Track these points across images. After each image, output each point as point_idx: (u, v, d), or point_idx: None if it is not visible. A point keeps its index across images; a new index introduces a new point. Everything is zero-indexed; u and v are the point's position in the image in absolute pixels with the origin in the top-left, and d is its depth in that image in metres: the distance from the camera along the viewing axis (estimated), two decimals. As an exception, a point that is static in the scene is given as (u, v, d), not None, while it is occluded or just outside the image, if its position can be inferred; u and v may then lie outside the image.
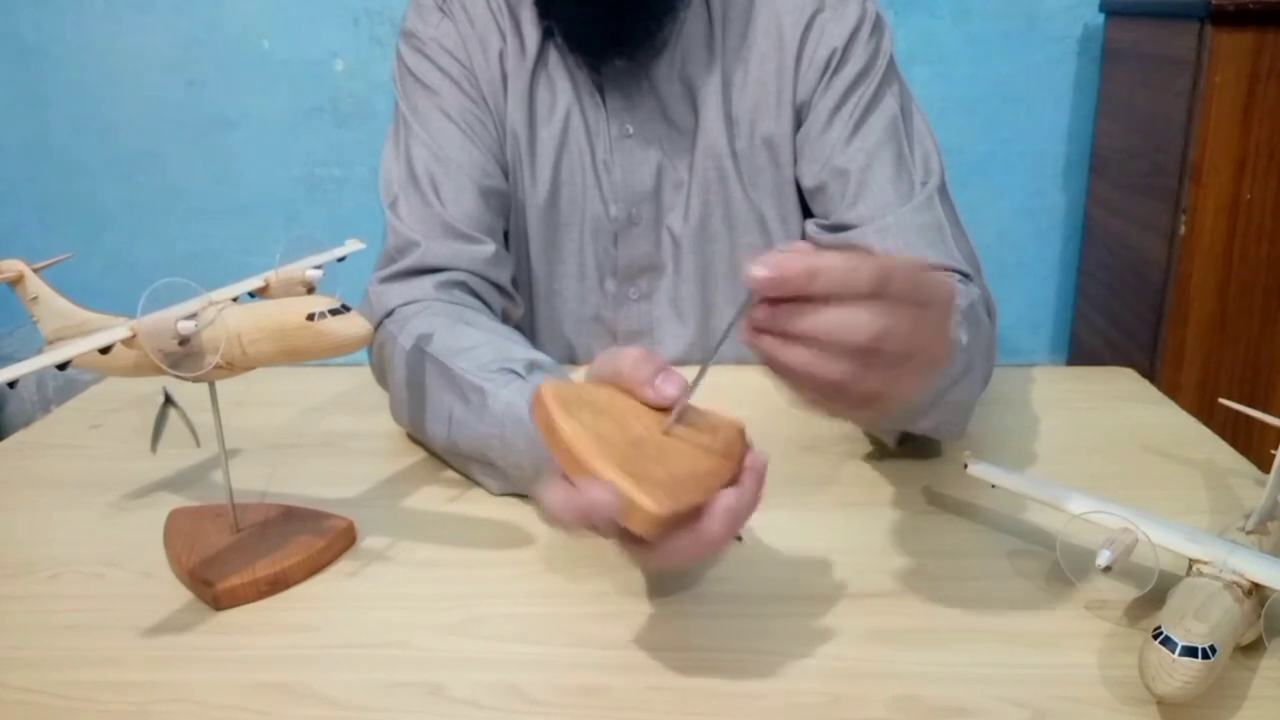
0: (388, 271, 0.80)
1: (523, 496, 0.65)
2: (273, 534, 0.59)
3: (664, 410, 0.47)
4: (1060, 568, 0.54)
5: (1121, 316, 1.83)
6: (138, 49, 2.06)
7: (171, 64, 2.06)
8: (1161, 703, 0.45)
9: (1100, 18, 1.91)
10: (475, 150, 0.84)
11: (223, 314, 0.51)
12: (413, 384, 0.69)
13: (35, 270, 0.60)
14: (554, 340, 0.92)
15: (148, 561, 0.59)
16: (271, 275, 0.57)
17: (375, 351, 0.78)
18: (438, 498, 0.67)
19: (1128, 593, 0.52)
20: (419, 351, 0.69)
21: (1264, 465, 0.61)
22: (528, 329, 0.91)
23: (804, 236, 0.88)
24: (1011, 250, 2.04)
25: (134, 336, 0.51)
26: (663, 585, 0.56)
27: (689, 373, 0.48)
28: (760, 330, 0.43)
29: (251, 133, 2.10)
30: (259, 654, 0.51)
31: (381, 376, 0.77)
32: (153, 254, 2.17)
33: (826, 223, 0.84)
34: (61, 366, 0.49)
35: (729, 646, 0.50)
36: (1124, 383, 0.87)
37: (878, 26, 0.85)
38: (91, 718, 0.46)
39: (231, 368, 0.53)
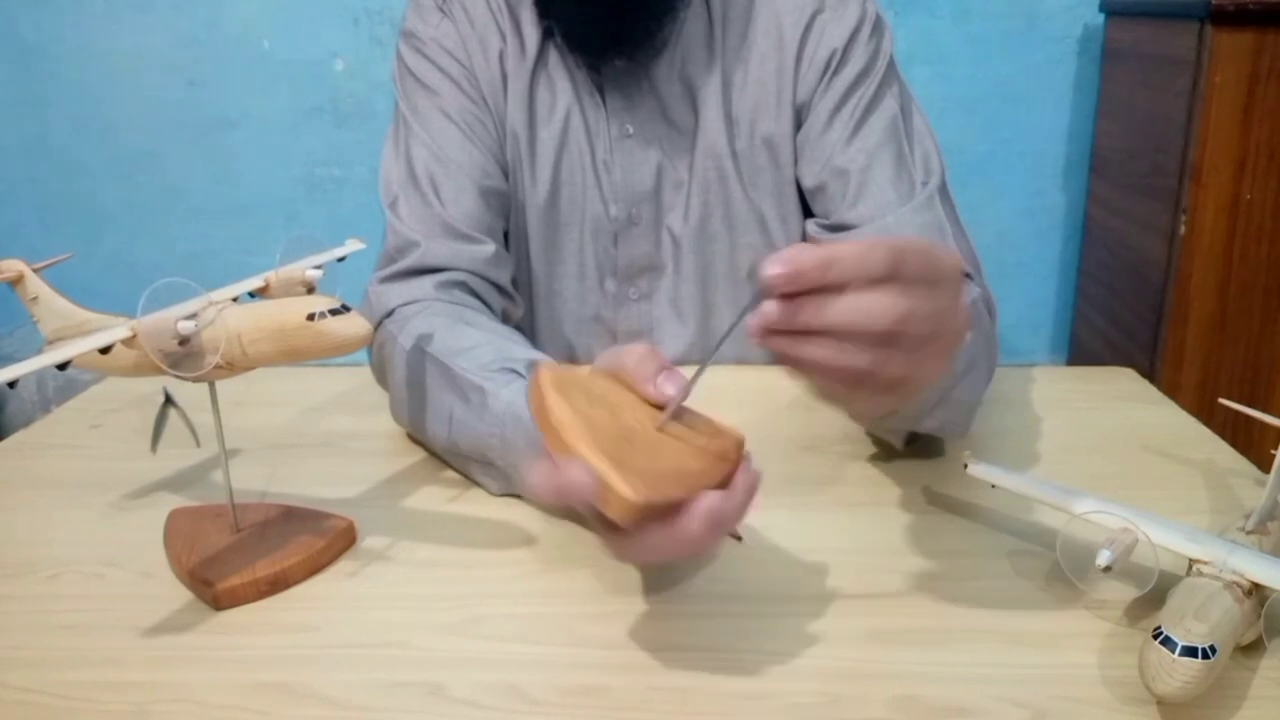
0: (388, 271, 0.80)
1: (522, 497, 0.65)
2: (273, 534, 0.59)
3: (663, 408, 0.47)
4: (1060, 568, 0.54)
5: (1121, 316, 1.83)
6: (138, 49, 2.06)
7: (171, 64, 2.06)
8: (1161, 703, 0.45)
9: (1100, 18, 1.91)
10: (475, 150, 0.84)
11: (223, 314, 0.51)
12: (413, 384, 0.69)
13: (35, 270, 0.60)
14: (554, 340, 0.92)
15: (148, 561, 0.59)
16: (271, 275, 0.57)
17: (375, 351, 0.78)
18: (438, 498, 0.67)
19: (1128, 593, 0.52)
20: (419, 351, 0.69)
21: (1264, 465, 0.61)
22: (528, 329, 0.91)
23: (804, 237, 0.88)
24: (1011, 250, 2.04)
25: (134, 336, 0.51)
26: (662, 585, 0.56)
27: (691, 373, 0.48)
28: (774, 331, 0.42)
29: (251, 133, 2.10)
30: (259, 654, 0.51)
31: (381, 376, 0.77)
32: (153, 254, 2.18)
33: (827, 223, 0.84)
34: (61, 366, 0.49)
35: (729, 646, 0.50)
36: (1124, 383, 0.87)
37: (878, 27, 0.85)
38: (91, 718, 0.46)
39: (231, 368, 0.53)
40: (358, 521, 0.61)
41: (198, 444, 0.60)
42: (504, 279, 0.84)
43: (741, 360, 0.92)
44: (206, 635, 0.52)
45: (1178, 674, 0.43)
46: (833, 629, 0.52)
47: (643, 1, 0.80)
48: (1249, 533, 0.52)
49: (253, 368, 0.53)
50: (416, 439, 0.73)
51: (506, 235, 0.88)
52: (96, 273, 1.72)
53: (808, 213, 0.88)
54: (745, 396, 0.82)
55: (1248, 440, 0.75)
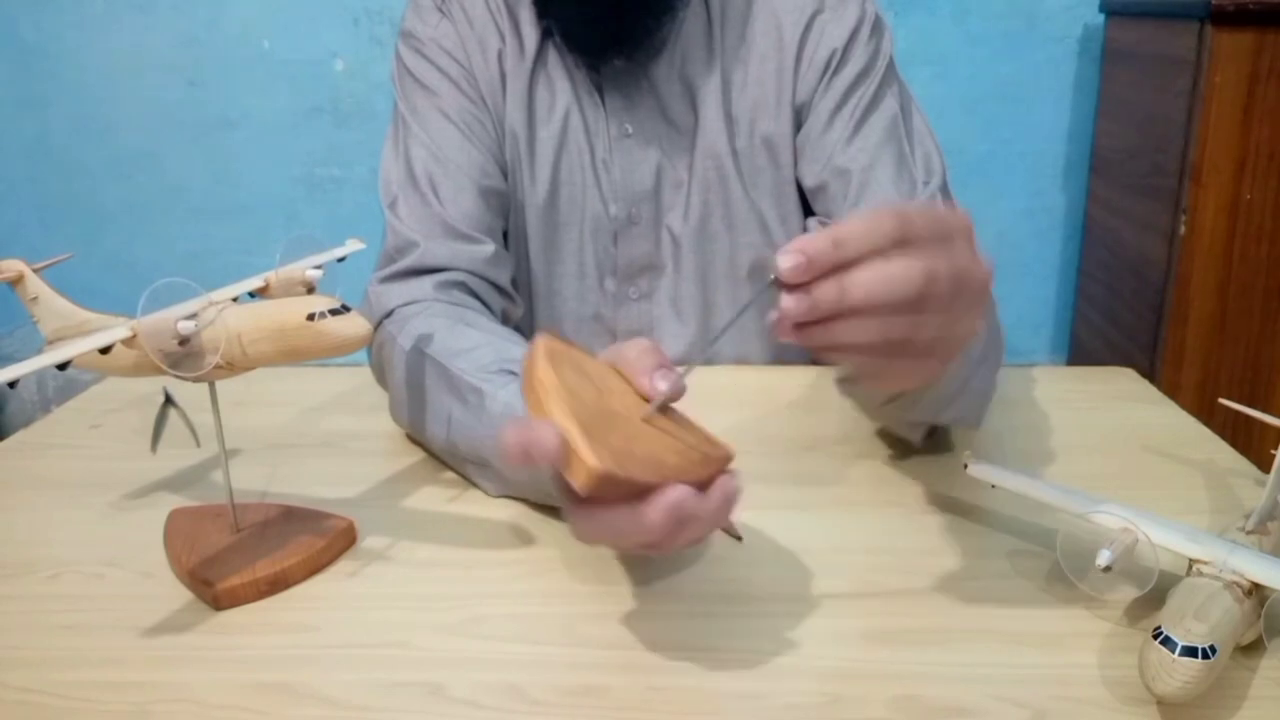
0: (387, 272, 0.80)
1: (520, 499, 0.65)
2: (273, 534, 0.59)
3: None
4: (1060, 568, 0.54)
5: (1121, 316, 1.83)
6: (138, 49, 2.06)
7: (171, 64, 2.06)
8: (1161, 703, 0.45)
9: (1100, 18, 1.91)
10: (474, 150, 0.84)
11: (223, 314, 0.51)
12: (412, 385, 0.69)
13: (35, 270, 0.60)
14: (554, 340, 0.92)
15: (148, 561, 0.59)
16: (271, 275, 0.57)
17: (375, 352, 0.78)
18: (438, 498, 0.67)
19: (1128, 593, 0.52)
20: (418, 353, 0.69)
21: (1264, 465, 0.61)
22: (527, 329, 0.91)
23: None
24: (1011, 250, 2.05)
25: (134, 336, 0.51)
26: (662, 585, 0.56)
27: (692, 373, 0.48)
28: (800, 325, 0.42)
29: (251, 133, 2.11)
30: (259, 654, 0.51)
31: (381, 377, 0.77)
32: (153, 254, 2.18)
33: (828, 222, 0.84)
34: (61, 366, 0.49)
35: (729, 646, 0.50)
36: (1124, 383, 0.87)
37: (877, 27, 0.85)
38: (91, 718, 0.46)
39: (231, 368, 0.53)
40: (358, 521, 0.61)
41: (198, 444, 0.60)
42: (503, 279, 0.84)
43: (741, 360, 0.92)
44: (206, 635, 0.52)
45: (1178, 674, 0.43)
46: (833, 629, 0.52)
47: (642, 1, 0.80)
48: (1249, 533, 0.52)
49: (253, 368, 0.53)
50: (416, 439, 0.73)
51: (506, 235, 0.88)
52: (96, 273, 1.72)
53: (808, 212, 0.88)
54: (745, 396, 0.82)
55: (1248, 440, 0.75)
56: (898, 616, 0.53)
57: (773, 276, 0.41)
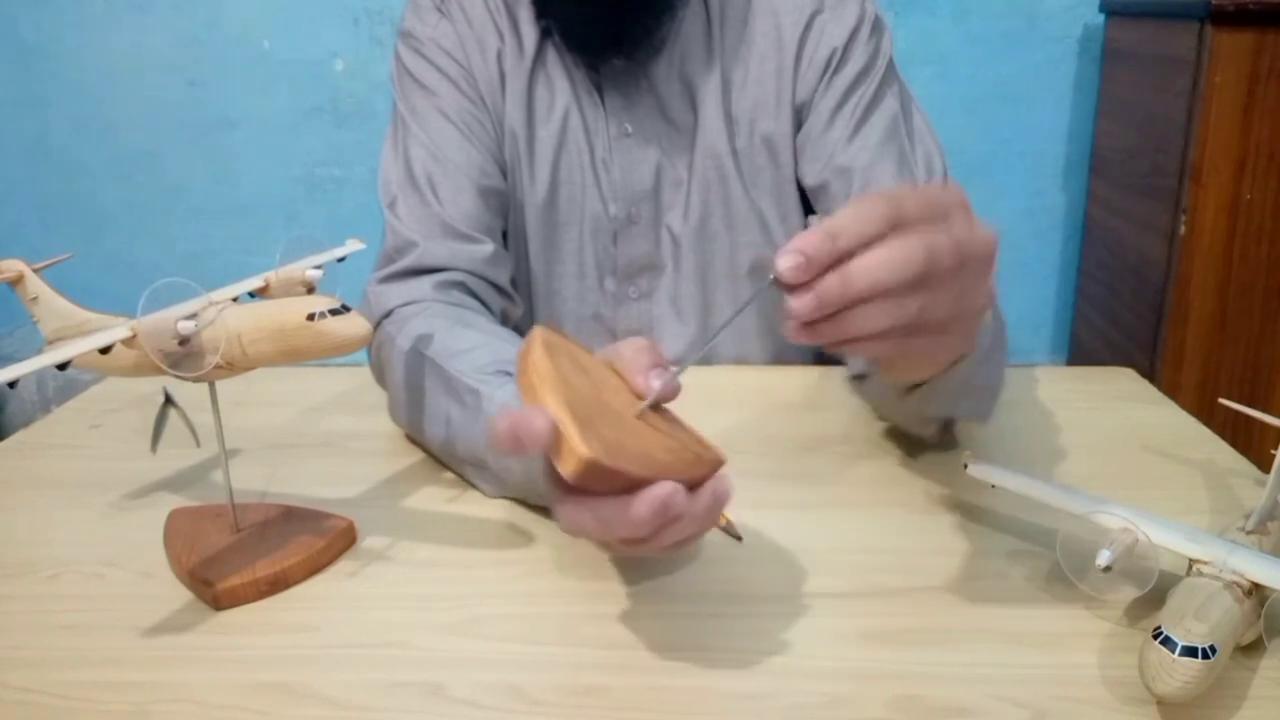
0: (386, 272, 0.80)
1: (516, 500, 0.65)
2: (273, 534, 0.59)
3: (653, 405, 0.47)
4: (1060, 568, 0.54)
5: (1121, 316, 1.83)
6: (138, 49, 2.06)
7: (171, 64, 2.07)
8: (1161, 703, 0.45)
9: (1100, 18, 1.91)
10: (473, 150, 0.84)
11: (223, 314, 0.51)
12: (411, 386, 0.69)
13: (35, 270, 0.60)
14: (554, 340, 0.92)
15: (148, 561, 0.59)
16: (271, 275, 0.57)
17: (374, 352, 0.78)
18: (438, 498, 0.67)
19: (1128, 593, 0.52)
20: (417, 353, 0.69)
21: (1264, 465, 0.61)
22: (527, 329, 0.90)
23: None
24: (1011, 250, 2.04)
25: (134, 336, 0.51)
26: (662, 585, 0.56)
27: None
28: (810, 323, 0.41)
29: (251, 133, 2.11)
30: (259, 654, 0.51)
31: (380, 377, 0.77)
32: (153, 254, 2.18)
33: None
34: (61, 366, 0.49)
35: (729, 646, 0.50)
36: (1124, 383, 0.87)
37: (877, 27, 0.85)
38: (91, 718, 0.46)
39: (231, 368, 0.53)
40: (358, 521, 0.61)
41: (198, 444, 0.60)
42: (503, 279, 0.84)
43: (741, 360, 0.92)
44: (206, 635, 0.52)
45: (1178, 674, 0.43)
46: (833, 629, 0.51)
47: (641, 0, 0.80)
48: (1249, 533, 0.52)
49: (253, 368, 0.53)
50: (415, 439, 0.73)
51: (505, 235, 0.88)
52: (96, 273, 1.72)
53: (808, 211, 0.88)
54: (745, 396, 0.82)
55: (1248, 440, 0.75)
56: (898, 616, 0.53)
57: (772, 277, 0.41)
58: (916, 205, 0.42)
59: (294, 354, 0.51)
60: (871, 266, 0.40)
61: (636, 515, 0.42)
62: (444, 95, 0.85)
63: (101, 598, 0.56)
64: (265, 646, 0.51)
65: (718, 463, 0.46)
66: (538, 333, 0.45)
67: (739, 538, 0.60)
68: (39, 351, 0.52)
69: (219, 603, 0.54)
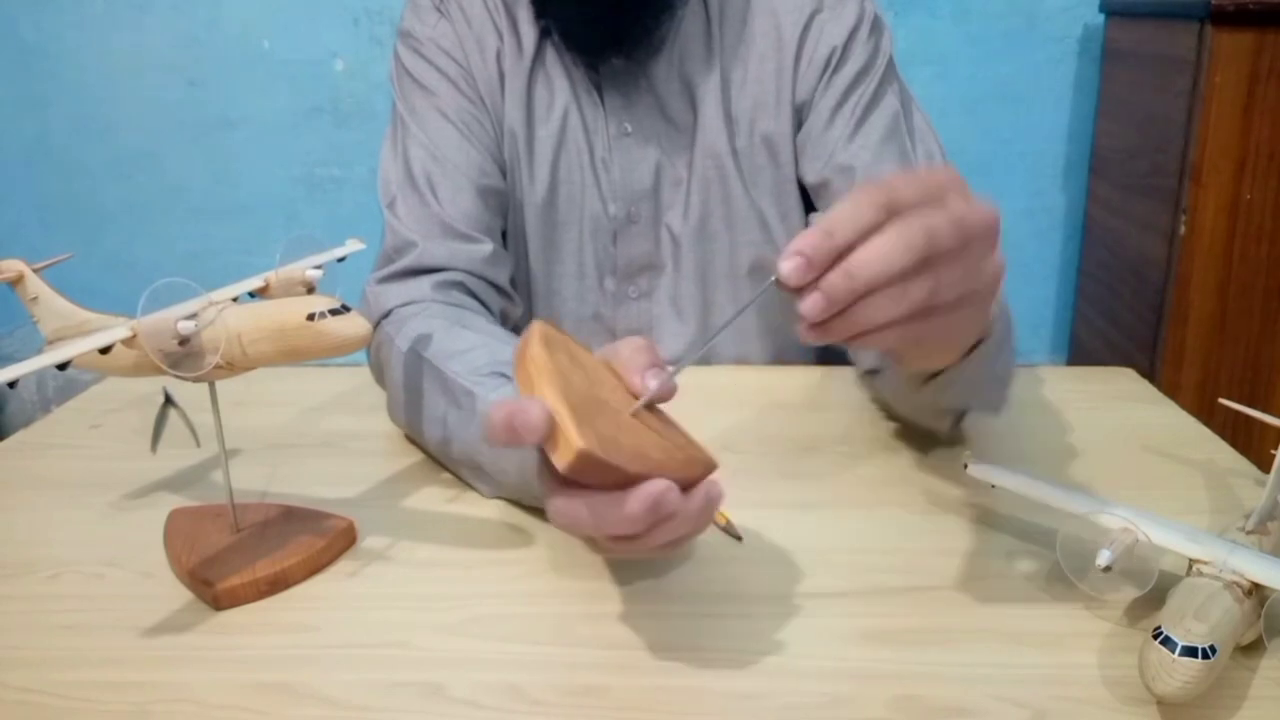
0: (385, 272, 0.80)
1: (513, 501, 0.65)
2: (273, 534, 0.59)
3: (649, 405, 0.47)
4: (1060, 568, 0.54)
5: (1121, 316, 1.83)
6: (138, 49, 2.06)
7: (171, 64, 2.07)
8: (1161, 703, 0.45)
9: (1100, 18, 1.91)
10: (472, 150, 0.84)
11: (223, 314, 0.51)
12: (409, 387, 0.69)
13: (35, 270, 0.60)
14: (554, 340, 0.92)
15: (148, 561, 0.59)
16: (271, 275, 0.57)
17: (373, 352, 0.78)
18: (438, 498, 0.67)
19: (1128, 593, 0.52)
20: (415, 354, 0.69)
21: (1264, 465, 0.61)
22: (526, 328, 0.91)
23: None
24: (1011, 250, 2.01)
25: (134, 336, 0.51)
26: (662, 585, 0.56)
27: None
28: (819, 325, 0.41)
29: (251, 133, 2.11)
30: (259, 654, 0.51)
31: (380, 377, 0.77)
32: (153, 254, 2.18)
33: None
34: (61, 366, 0.49)
35: (729, 646, 0.50)
36: (1124, 383, 0.87)
37: (876, 26, 0.85)
38: (91, 718, 0.46)
39: (231, 368, 0.53)
40: (358, 521, 0.61)
41: (198, 444, 0.60)
42: (502, 278, 0.84)
43: (741, 360, 0.92)
44: (206, 635, 0.52)
45: (1178, 674, 0.43)
46: (833, 629, 0.51)
47: (640, 0, 0.80)
48: (1249, 533, 0.52)
49: (253, 368, 0.53)
50: (414, 439, 0.73)
51: (505, 235, 0.88)
52: (96, 273, 1.72)
53: (809, 210, 0.88)
54: (745, 396, 0.82)
55: (1248, 440, 0.75)
56: (898, 616, 0.53)
57: (773, 278, 0.41)
58: (911, 190, 0.41)
59: (294, 354, 0.51)
60: (872, 258, 0.40)
61: (630, 511, 0.42)
62: (443, 95, 0.85)
63: (101, 598, 0.56)
64: (265, 646, 0.51)
65: (710, 466, 0.46)
66: (536, 326, 0.45)
67: (739, 537, 0.60)
68: (39, 351, 0.52)
69: (219, 603, 0.54)
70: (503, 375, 0.64)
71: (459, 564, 0.59)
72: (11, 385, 0.46)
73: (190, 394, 0.57)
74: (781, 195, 0.88)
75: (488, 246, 0.82)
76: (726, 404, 0.80)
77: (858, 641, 0.51)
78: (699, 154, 0.87)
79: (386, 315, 0.76)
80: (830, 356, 0.93)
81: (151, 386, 0.61)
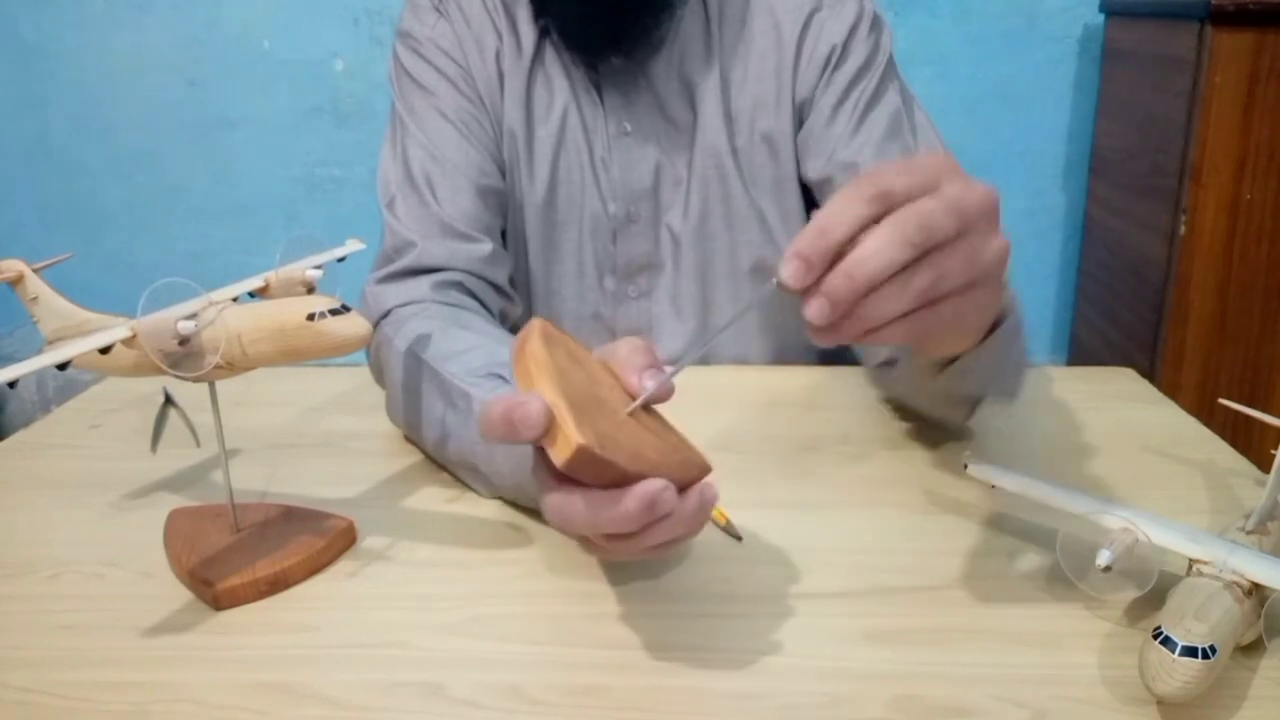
0: (385, 272, 0.80)
1: (509, 502, 0.65)
2: (273, 534, 0.59)
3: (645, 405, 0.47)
4: (1060, 568, 0.54)
5: (1121, 316, 1.83)
6: (138, 49, 2.06)
7: (171, 64, 2.07)
8: (1161, 703, 0.45)
9: (1100, 18, 1.91)
10: (472, 150, 0.84)
11: (223, 314, 0.51)
12: (408, 388, 0.69)
13: (35, 270, 0.60)
14: (553, 340, 0.92)
15: (148, 561, 0.59)
16: (271, 275, 0.57)
17: (373, 353, 0.78)
18: (438, 498, 0.67)
19: (1128, 593, 0.52)
20: (413, 355, 0.69)
21: (1264, 465, 0.61)
22: (527, 329, 0.91)
23: None
24: (1012, 250, 2.04)
25: (134, 336, 0.50)
26: (662, 585, 0.56)
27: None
28: (827, 328, 0.41)
29: (251, 133, 2.11)
30: (259, 654, 0.51)
31: (379, 377, 0.77)
32: (153, 254, 2.18)
33: None
34: (61, 366, 0.49)
35: (729, 646, 0.50)
36: (1124, 383, 0.87)
37: (876, 23, 0.86)
38: (91, 718, 0.46)
39: (231, 368, 0.53)
40: (358, 521, 0.61)
41: (198, 444, 0.60)
42: (501, 278, 0.84)
43: (741, 360, 0.92)
44: (206, 635, 0.52)
45: (1178, 674, 0.43)
46: (832, 629, 0.51)
47: None
48: (1249, 533, 0.52)
49: (253, 368, 0.53)
50: (413, 440, 0.73)
51: (504, 235, 0.88)
52: (96, 273, 1.72)
53: (811, 207, 0.88)
54: (745, 396, 0.82)
55: (1248, 440, 0.75)
56: (898, 616, 0.53)
57: (774, 281, 0.41)
58: (903, 180, 0.41)
59: (294, 354, 0.51)
60: (870, 253, 0.40)
61: (625, 509, 0.42)
62: (442, 95, 0.85)
63: (101, 598, 0.56)
64: (265, 646, 0.51)
65: (705, 469, 0.47)
66: (536, 323, 0.45)
67: (739, 537, 0.60)
68: (39, 351, 0.52)
69: (219, 603, 0.54)
70: (499, 377, 0.64)
71: (459, 564, 0.59)
72: (11, 385, 0.46)
73: (190, 394, 0.57)
74: (782, 194, 0.88)
75: (487, 246, 0.82)
76: (726, 404, 0.80)
77: (858, 641, 0.50)
78: (699, 153, 0.87)
79: (386, 315, 0.76)
80: (831, 356, 0.93)
81: (151, 386, 0.61)
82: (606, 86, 0.86)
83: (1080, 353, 2.04)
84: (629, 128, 0.86)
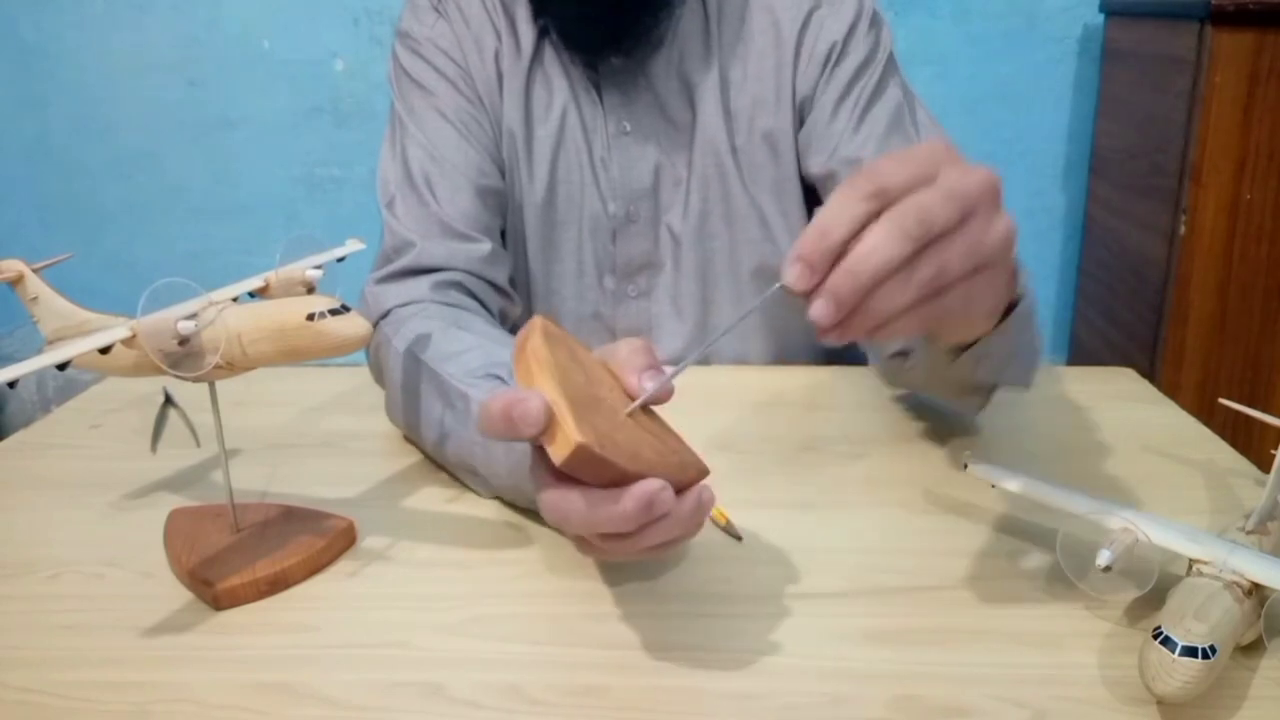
0: (384, 272, 0.80)
1: (507, 502, 0.65)
2: (273, 534, 0.59)
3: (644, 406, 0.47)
4: (1060, 568, 0.54)
5: (1121, 316, 1.83)
6: (138, 49, 2.06)
7: (171, 64, 2.07)
8: (1161, 703, 0.45)
9: (1100, 18, 1.91)
10: (471, 149, 0.84)
11: (223, 314, 0.51)
12: (407, 388, 0.69)
13: (35, 270, 0.60)
14: (553, 340, 0.92)
15: (148, 561, 0.59)
16: (271, 275, 0.57)
17: (372, 353, 0.78)
18: (438, 498, 0.67)
19: (1128, 593, 0.52)
20: (412, 356, 0.69)
21: (1264, 465, 0.61)
22: (526, 329, 0.91)
23: None
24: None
25: (134, 336, 0.50)
26: (662, 585, 0.56)
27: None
28: (835, 327, 0.41)
29: (251, 133, 2.11)
30: (259, 654, 0.51)
31: (379, 377, 0.77)
32: (153, 254, 2.18)
33: None
34: (61, 366, 0.49)
35: (729, 646, 0.50)
36: (1124, 383, 0.87)
37: (875, 20, 0.86)
38: (91, 718, 0.46)
39: (231, 368, 0.53)
40: (358, 521, 0.61)
41: (198, 444, 0.60)
42: (501, 278, 0.84)
43: (741, 360, 0.92)
44: (206, 635, 0.52)
45: (1178, 674, 0.43)
46: (833, 629, 0.51)
47: None
48: (1249, 533, 0.52)
49: (253, 368, 0.53)
50: (412, 440, 0.73)
51: (504, 235, 0.88)
52: (96, 273, 1.72)
53: (810, 206, 0.88)
54: (745, 397, 0.82)
55: (1248, 440, 0.75)
56: (898, 616, 0.53)
57: (779, 284, 0.41)
58: (900, 173, 0.41)
59: (294, 354, 0.51)
60: (869, 252, 0.40)
61: (624, 508, 0.42)
62: (441, 95, 0.85)
63: (101, 598, 0.56)
64: (265, 646, 0.51)
65: (702, 471, 0.47)
66: (538, 321, 0.45)
67: (739, 537, 0.60)
68: (39, 351, 0.52)
69: (219, 603, 0.54)
70: (497, 377, 0.64)
71: (459, 564, 0.59)
72: (11, 385, 0.46)
73: (190, 394, 0.57)
74: (782, 192, 0.88)
75: (486, 246, 0.82)
76: (726, 404, 0.80)
77: (858, 641, 0.51)
78: (698, 152, 0.87)
79: (385, 315, 0.76)
80: (831, 356, 0.93)
81: (151, 386, 0.61)
82: (606, 86, 0.86)
83: (1080, 353, 2.04)
84: (628, 127, 0.86)
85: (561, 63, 0.86)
